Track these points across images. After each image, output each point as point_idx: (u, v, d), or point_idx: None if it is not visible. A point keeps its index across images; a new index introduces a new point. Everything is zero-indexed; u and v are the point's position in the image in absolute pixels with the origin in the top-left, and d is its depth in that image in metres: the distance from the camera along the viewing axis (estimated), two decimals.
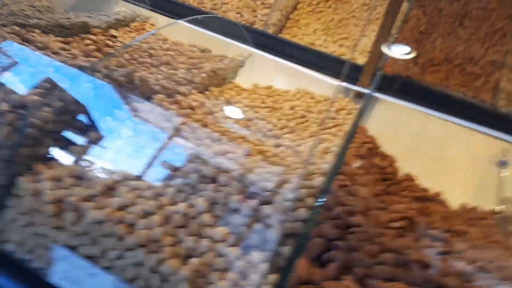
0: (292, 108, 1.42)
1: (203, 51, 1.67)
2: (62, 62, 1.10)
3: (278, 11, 1.98)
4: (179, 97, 1.21)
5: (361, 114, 1.14)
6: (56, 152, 0.85)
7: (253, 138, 1.23)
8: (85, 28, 1.51)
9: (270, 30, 1.90)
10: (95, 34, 1.53)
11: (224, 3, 2.04)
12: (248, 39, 1.78)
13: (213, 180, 0.81)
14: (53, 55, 1.20)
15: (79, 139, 0.89)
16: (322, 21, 2.05)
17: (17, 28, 1.26)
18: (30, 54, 1.07)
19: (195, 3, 2.05)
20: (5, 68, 1.07)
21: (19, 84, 0.89)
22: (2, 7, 1.72)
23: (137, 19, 1.78)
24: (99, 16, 1.65)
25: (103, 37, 1.53)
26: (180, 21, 1.58)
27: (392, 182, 1.20)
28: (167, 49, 1.56)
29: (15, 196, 0.79)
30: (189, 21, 1.83)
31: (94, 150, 0.90)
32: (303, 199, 0.80)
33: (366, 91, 1.41)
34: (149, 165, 0.86)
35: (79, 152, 0.87)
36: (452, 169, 1.25)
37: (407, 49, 1.33)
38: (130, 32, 1.67)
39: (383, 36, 1.41)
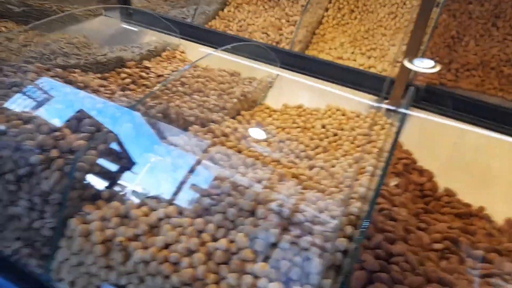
0: (323, 126, 1.43)
1: (232, 74, 1.70)
2: (103, 101, 1.17)
3: (303, 28, 1.99)
4: (212, 126, 1.25)
5: (398, 130, 1.13)
6: (102, 192, 0.90)
7: (287, 160, 1.25)
8: (120, 62, 1.59)
9: (297, 48, 1.91)
10: (129, 67, 1.60)
11: (249, 24, 2.08)
12: (275, 60, 1.81)
13: (251, 213, 0.83)
14: (93, 94, 1.27)
15: (122, 177, 0.94)
16: (349, 33, 2.04)
17: (59, 70, 1.35)
18: (73, 96, 1.14)
19: (221, 27, 2.10)
20: (49, 109, 1.15)
21: (66, 130, 0.96)
22: (45, 48, 1.84)
23: (167, 48, 1.84)
24: (132, 48, 1.73)
25: (137, 69, 1.60)
26: (213, 53, 1.63)
27: (432, 199, 1.17)
28: (198, 76, 1.60)
29: (67, 237, 0.85)
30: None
31: (137, 187, 0.94)
32: (342, 228, 0.80)
33: (400, 109, 1.39)
34: (189, 199, 0.89)
35: (123, 190, 0.92)
36: (494, 182, 1.21)
37: (430, 63, 1.30)
38: (162, 61, 1.74)
39: (413, 47, 1.39)
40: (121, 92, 1.39)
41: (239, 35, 2.04)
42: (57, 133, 0.92)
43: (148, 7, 2.31)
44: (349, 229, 0.81)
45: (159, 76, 1.60)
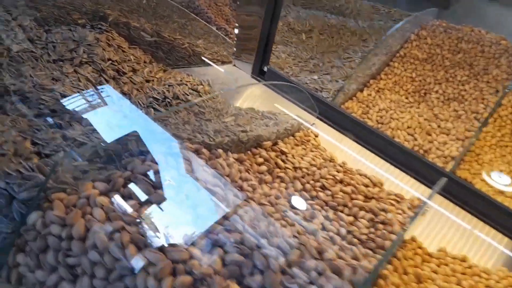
0: None
1: (375, 185, 1.40)
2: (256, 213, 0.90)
3: (459, 141, 1.67)
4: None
5: None
6: None
7: None
8: (258, 141, 1.34)
9: (448, 166, 1.59)
10: (265, 148, 1.35)
11: (392, 118, 1.79)
12: (425, 176, 1.50)
13: None
14: (238, 190, 1.01)
15: None
16: (508, 160, 1.69)
17: (206, 152, 1.10)
18: (225, 204, 0.88)
19: (359, 112, 1.83)
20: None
21: None
22: (168, 89, 1.64)
23: (301, 126, 1.59)
24: (267, 120, 1.49)
25: (273, 153, 1.34)
26: (353, 154, 1.36)
27: None
28: (341, 181, 1.32)
29: None
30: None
31: None
32: None
33: None
34: None
35: None
36: None
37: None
38: (297, 145, 1.48)
39: None
40: (261, 191, 1.13)
41: (379, 128, 1.75)
42: None
43: (276, 63, 2.10)
44: None
45: (295, 168, 1.33)
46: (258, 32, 1.74)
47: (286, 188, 1.25)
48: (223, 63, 1.98)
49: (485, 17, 2.25)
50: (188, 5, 2.97)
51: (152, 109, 1.55)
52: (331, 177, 1.32)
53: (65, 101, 1.24)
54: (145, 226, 0.76)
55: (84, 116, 1.12)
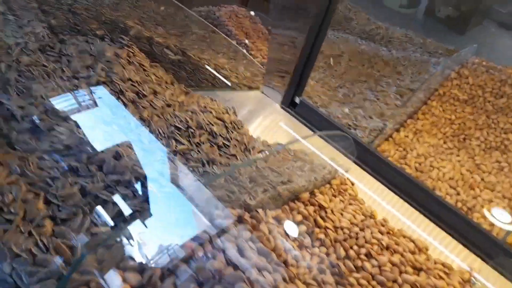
0: None
1: (421, 250, 1.24)
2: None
3: (505, 199, 1.52)
4: None
5: None
6: None
7: None
8: (295, 193, 1.18)
9: (496, 230, 1.43)
10: (303, 202, 1.18)
11: (433, 166, 1.64)
12: (473, 242, 1.35)
13: None
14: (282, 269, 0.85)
15: None
16: None
17: (248, 219, 0.93)
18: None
19: (396, 156, 1.67)
20: None
21: None
22: (191, 117, 1.47)
23: (338, 172, 1.43)
24: (305, 170, 1.32)
25: (311, 208, 1.18)
26: (398, 215, 1.20)
27: None
28: (387, 247, 1.16)
29: None
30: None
31: None
32: None
33: None
34: None
35: None
36: None
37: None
38: (334, 196, 1.31)
39: None
40: (304, 263, 0.96)
41: (418, 177, 1.59)
42: None
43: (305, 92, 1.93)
44: None
45: (336, 228, 1.17)
46: (295, 59, 1.57)
47: (327, 254, 1.08)
48: (250, 88, 1.81)
49: None
50: (208, 15, 2.81)
51: (173, 141, 1.37)
52: (376, 241, 1.16)
53: (81, 135, 1.06)
54: None
55: (105, 159, 0.94)
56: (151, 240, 0.75)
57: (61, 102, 1.18)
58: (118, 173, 0.90)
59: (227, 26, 2.73)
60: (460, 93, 1.92)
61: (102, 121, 1.20)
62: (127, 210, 0.82)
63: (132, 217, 0.78)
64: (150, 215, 0.85)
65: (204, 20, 2.77)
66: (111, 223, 0.79)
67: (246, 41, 2.68)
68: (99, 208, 0.78)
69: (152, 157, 1.22)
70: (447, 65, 2.00)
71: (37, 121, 1.07)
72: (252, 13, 3.21)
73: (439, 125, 1.85)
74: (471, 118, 1.86)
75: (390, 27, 2.54)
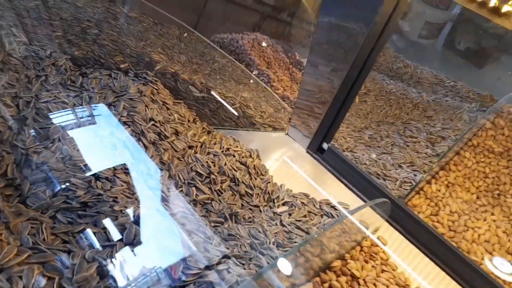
0: None
1: None
2: None
3: None
4: None
5: None
6: None
7: None
8: (327, 263, 1.07)
9: None
10: (334, 271, 1.08)
11: (467, 226, 1.52)
12: None
13: None
14: None
15: None
16: None
17: None
18: None
19: (427, 212, 1.56)
20: None
21: None
22: (214, 162, 1.38)
23: (367, 232, 1.32)
24: (340, 231, 1.22)
25: (344, 279, 1.07)
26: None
27: None
28: None
29: None
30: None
31: None
32: None
33: None
34: None
35: None
36: None
37: None
38: (366, 261, 1.21)
39: None
40: None
41: (451, 238, 1.48)
42: None
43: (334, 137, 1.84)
44: None
45: None
46: (327, 103, 1.49)
47: None
48: (274, 129, 1.73)
49: None
50: (231, 43, 2.75)
51: (194, 188, 1.29)
52: None
53: (99, 189, 0.98)
54: None
55: (126, 224, 0.86)
56: None
57: (79, 147, 1.10)
58: (138, 243, 0.81)
59: (250, 55, 2.67)
60: (495, 145, 1.81)
61: (122, 171, 1.11)
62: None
63: None
64: None
65: (226, 47, 2.72)
66: None
67: (268, 72, 2.61)
68: None
69: (171, 210, 1.13)
70: (480, 113, 1.90)
71: (53, 171, 0.99)
72: (273, 41, 3.16)
73: (472, 178, 1.74)
74: (506, 173, 1.75)
75: (418, 65, 2.46)
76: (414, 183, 1.62)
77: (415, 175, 1.66)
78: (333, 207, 1.42)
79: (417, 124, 2.00)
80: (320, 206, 1.39)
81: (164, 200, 1.17)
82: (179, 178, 1.31)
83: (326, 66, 1.47)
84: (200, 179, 1.33)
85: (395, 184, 1.60)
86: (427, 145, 1.84)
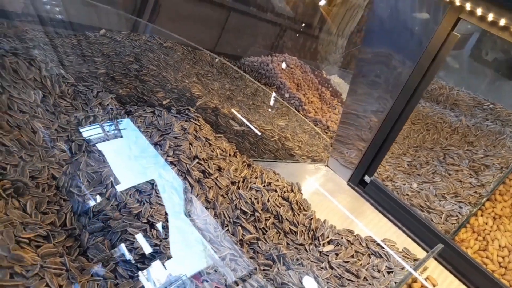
0: None
1: None
2: None
3: None
4: None
5: None
6: None
7: None
8: None
9: None
10: None
11: None
12: None
13: None
14: None
15: None
16: None
17: None
18: None
19: (475, 247, 1.51)
20: None
21: None
22: (252, 198, 1.38)
23: (415, 272, 1.29)
24: (383, 270, 1.20)
25: None
26: None
27: None
28: None
29: None
30: None
31: None
32: None
33: None
34: None
35: None
36: None
37: None
38: None
39: None
40: None
41: (502, 276, 1.43)
42: None
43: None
44: None
45: None
46: (372, 135, 1.47)
47: None
48: (314, 160, 1.72)
49: None
50: (261, 66, 2.77)
51: (240, 228, 1.28)
52: None
53: (154, 238, 0.99)
54: None
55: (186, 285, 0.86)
56: None
57: (130, 192, 1.12)
58: None
59: (280, 78, 2.67)
60: None
61: (173, 214, 1.12)
62: None
63: None
64: None
65: (257, 70, 2.74)
66: None
67: (300, 95, 2.61)
68: None
69: (220, 253, 1.13)
70: None
71: (110, 220, 1.00)
72: (302, 61, 3.16)
73: None
74: None
75: (454, 86, 2.41)
76: (460, 216, 1.57)
77: (460, 207, 1.61)
78: (379, 244, 1.39)
79: (457, 151, 1.95)
80: (366, 244, 1.37)
81: (213, 242, 1.17)
82: (225, 216, 1.31)
83: (369, 97, 1.45)
84: (244, 217, 1.32)
85: (441, 218, 1.55)
86: (471, 173, 1.79)
